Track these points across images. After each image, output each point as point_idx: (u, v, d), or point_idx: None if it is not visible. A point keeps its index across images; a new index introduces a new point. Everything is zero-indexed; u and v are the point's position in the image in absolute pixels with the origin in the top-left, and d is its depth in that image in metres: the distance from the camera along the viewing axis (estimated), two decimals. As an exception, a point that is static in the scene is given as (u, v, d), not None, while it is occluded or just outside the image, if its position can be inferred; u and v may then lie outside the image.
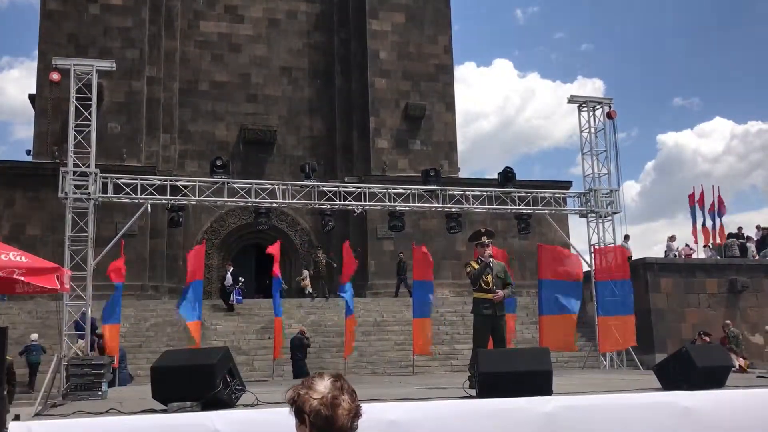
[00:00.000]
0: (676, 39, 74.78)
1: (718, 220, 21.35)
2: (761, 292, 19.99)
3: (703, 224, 20.94)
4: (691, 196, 20.82)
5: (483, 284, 9.15)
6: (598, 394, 6.69)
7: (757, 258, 21.63)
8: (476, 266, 9.23)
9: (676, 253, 21.94)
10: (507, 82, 73.73)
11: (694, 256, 22.67)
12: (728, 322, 17.55)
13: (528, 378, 6.31)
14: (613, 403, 6.25)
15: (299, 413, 2.38)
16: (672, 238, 22.42)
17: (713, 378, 6.86)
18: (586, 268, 16.78)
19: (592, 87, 68.46)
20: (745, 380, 8.02)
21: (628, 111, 74.57)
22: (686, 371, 6.76)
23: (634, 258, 20.00)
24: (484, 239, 9.38)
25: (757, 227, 23.59)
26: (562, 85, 73.76)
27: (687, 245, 22.23)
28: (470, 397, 6.43)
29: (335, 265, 22.62)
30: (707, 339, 15.39)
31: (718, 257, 21.43)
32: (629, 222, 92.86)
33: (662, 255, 22.21)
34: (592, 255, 16.04)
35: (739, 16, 73.21)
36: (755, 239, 22.67)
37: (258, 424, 5.46)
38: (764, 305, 19.93)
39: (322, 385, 2.39)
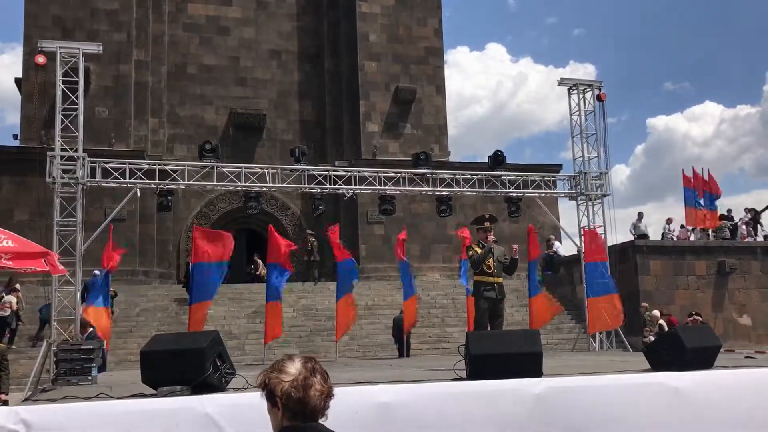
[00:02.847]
0: (667, 24, 74.78)
1: (709, 202, 21.39)
2: (749, 274, 20.14)
3: (696, 206, 20.99)
4: (686, 178, 20.83)
5: (485, 268, 9.33)
6: (587, 375, 6.73)
7: (746, 239, 21.76)
8: (479, 250, 9.39)
9: (673, 236, 22.04)
10: (500, 67, 73.66)
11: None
12: (645, 305, 17.43)
13: (518, 360, 6.33)
14: (603, 384, 6.28)
15: (271, 396, 2.40)
16: (669, 221, 22.49)
17: (702, 358, 6.90)
18: (575, 250, 16.87)
19: (584, 72, 68.53)
20: (733, 361, 8.08)
21: (619, 96, 74.81)
22: (675, 352, 6.79)
23: (626, 240, 20.03)
24: (487, 224, 9.58)
25: (745, 209, 23.74)
26: (555, 70, 73.80)
27: (683, 226, 22.30)
28: (461, 379, 6.45)
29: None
30: (699, 319, 15.59)
31: (708, 239, 21.54)
32: (619, 205, 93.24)
33: (651, 237, 22.26)
34: (582, 237, 16.08)
35: (729, 1, 73.24)
36: (744, 221, 22.81)
37: (248, 408, 5.44)
38: (752, 287, 20.08)
39: (293, 368, 2.41)
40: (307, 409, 2.37)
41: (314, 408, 2.38)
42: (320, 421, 2.41)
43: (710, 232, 21.61)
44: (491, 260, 9.39)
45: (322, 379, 2.42)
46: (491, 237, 9.58)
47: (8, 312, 16.65)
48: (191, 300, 14.44)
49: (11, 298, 16.94)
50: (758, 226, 23.05)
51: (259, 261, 23.66)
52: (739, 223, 22.38)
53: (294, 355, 2.51)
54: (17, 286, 17.30)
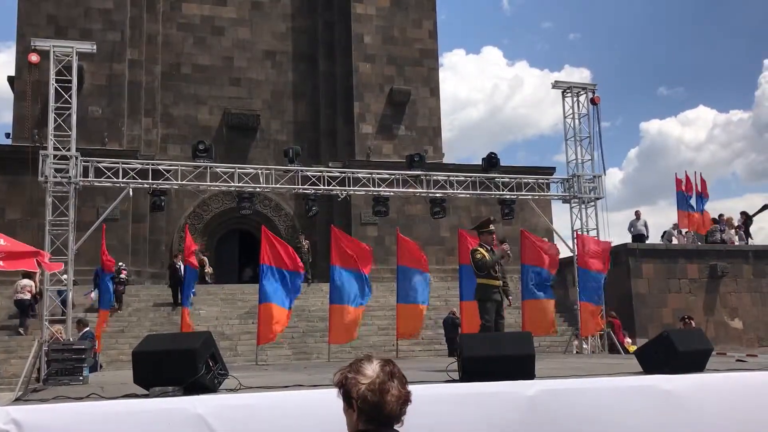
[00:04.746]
0: (662, 30, 75.12)
1: (701, 206, 21.46)
2: (741, 278, 20.22)
3: (688, 209, 21.07)
4: (679, 181, 20.88)
5: (492, 271, 9.49)
6: (580, 377, 6.74)
7: (736, 244, 21.83)
8: (486, 254, 9.52)
9: (674, 238, 22.13)
10: (496, 70, 73.82)
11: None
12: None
13: (511, 362, 6.33)
14: (595, 386, 6.29)
15: (347, 398, 2.34)
16: (675, 226, 22.50)
17: (694, 362, 6.92)
18: (568, 253, 16.88)
19: (579, 76, 68.79)
20: (725, 364, 8.11)
21: (614, 100, 75.10)
22: (667, 355, 6.81)
23: (617, 243, 20.07)
24: (492, 227, 9.78)
25: (741, 213, 23.81)
26: (550, 74, 74.09)
27: (680, 231, 22.35)
28: (454, 380, 6.44)
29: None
30: (692, 323, 15.68)
31: (699, 243, 21.62)
32: (612, 208, 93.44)
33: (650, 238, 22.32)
34: (575, 241, 16.09)
35: (723, 7, 73.63)
36: (736, 225, 22.88)
37: (240, 409, 5.44)
38: (743, 290, 20.16)
39: (371, 369, 2.36)
40: (382, 414, 2.30)
41: (390, 413, 2.31)
42: (396, 426, 2.34)
43: (691, 233, 21.69)
44: (497, 264, 9.68)
45: (400, 384, 2.35)
46: (497, 240, 9.88)
47: (27, 296, 17.49)
48: (184, 302, 14.42)
49: (29, 282, 17.64)
50: (749, 230, 23.12)
51: (205, 258, 23.26)
52: (732, 230, 22.43)
53: (371, 356, 2.44)
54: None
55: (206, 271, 22.85)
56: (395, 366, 2.39)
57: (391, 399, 2.31)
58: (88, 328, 13.56)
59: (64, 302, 15.51)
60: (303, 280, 22.15)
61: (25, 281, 17.67)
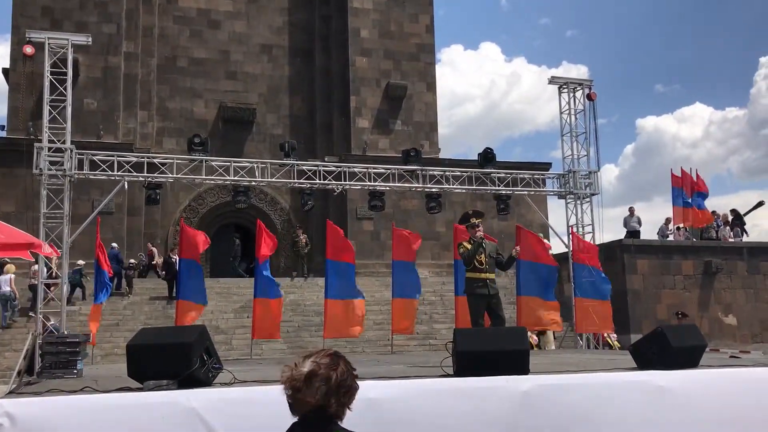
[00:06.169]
0: (659, 26, 75.17)
1: (699, 201, 21.44)
2: (735, 274, 20.28)
3: (684, 205, 21.04)
4: (675, 177, 20.84)
5: (477, 264, 9.22)
6: (574, 373, 6.74)
7: (731, 240, 21.87)
8: (469, 247, 9.28)
9: (671, 235, 22.13)
10: (493, 66, 73.73)
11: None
12: None
13: (505, 357, 6.32)
14: (589, 382, 6.30)
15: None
16: (668, 221, 22.54)
17: (688, 358, 6.93)
18: (564, 249, 16.90)
19: (576, 72, 68.72)
20: (718, 360, 8.14)
21: (610, 96, 75.22)
22: (661, 351, 6.82)
23: (612, 239, 20.12)
24: (474, 220, 9.47)
25: (731, 211, 23.86)
26: (548, 70, 73.96)
27: (678, 228, 22.36)
28: (448, 375, 6.45)
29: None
30: (683, 319, 15.72)
31: (694, 239, 21.66)
32: (607, 204, 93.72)
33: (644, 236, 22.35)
34: (570, 237, 16.10)
35: (719, 5, 73.70)
36: (728, 222, 22.92)
37: (235, 403, 5.43)
38: (737, 287, 20.22)
39: (304, 367, 2.40)
40: (294, 411, 2.40)
41: (299, 412, 2.39)
42: (340, 422, 2.42)
43: (685, 229, 21.68)
44: (483, 256, 9.28)
45: (328, 392, 2.37)
46: (480, 232, 9.45)
47: None
48: (179, 295, 14.38)
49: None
50: (743, 227, 23.16)
51: (154, 249, 22.73)
52: (725, 228, 22.48)
53: (314, 352, 2.47)
54: None
55: (154, 263, 21.98)
56: (327, 367, 2.37)
57: (301, 398, 2.34)
58: (53, 322, 13.55)
59: (72, 288, 15.61)
60: (300, 274, 22.50)
61: (37, 266, 17.69)
